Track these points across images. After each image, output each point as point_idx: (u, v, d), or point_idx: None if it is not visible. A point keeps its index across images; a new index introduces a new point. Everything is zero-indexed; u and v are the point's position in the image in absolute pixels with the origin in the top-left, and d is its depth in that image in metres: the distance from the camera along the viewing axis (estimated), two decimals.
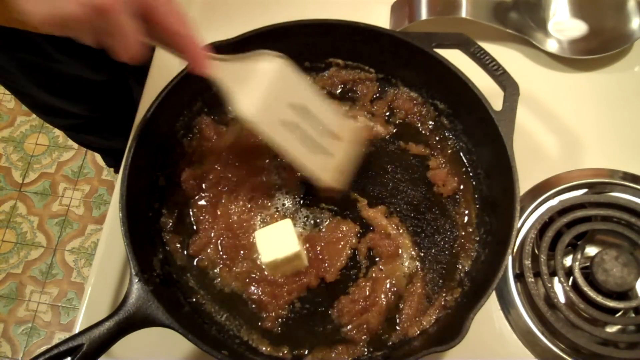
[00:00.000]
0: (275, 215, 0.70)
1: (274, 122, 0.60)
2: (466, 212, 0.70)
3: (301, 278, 0.66)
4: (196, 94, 0.73)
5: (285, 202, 0.71)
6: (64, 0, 0.44)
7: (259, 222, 0.70)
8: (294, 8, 0.79)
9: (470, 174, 0.72)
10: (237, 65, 0.59)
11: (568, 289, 0.66)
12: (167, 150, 0.73)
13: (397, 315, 0.65)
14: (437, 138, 0.75)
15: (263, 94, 0.59)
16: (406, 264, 0.68)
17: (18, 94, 1.10)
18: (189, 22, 0.53)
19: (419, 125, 0.76)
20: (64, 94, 1.10)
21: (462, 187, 0.72)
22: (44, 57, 0.94)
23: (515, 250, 0.70)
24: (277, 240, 0.63)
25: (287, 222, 0.64)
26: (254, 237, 0.67)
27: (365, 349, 0.64)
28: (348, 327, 0.65)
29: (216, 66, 0.57)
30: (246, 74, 0.59)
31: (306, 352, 0.64)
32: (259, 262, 0.67)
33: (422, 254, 0.68)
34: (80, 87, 1.09)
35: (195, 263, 0.69)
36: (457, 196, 0.71)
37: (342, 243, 0.68)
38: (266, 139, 0.60)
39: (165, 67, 0.82)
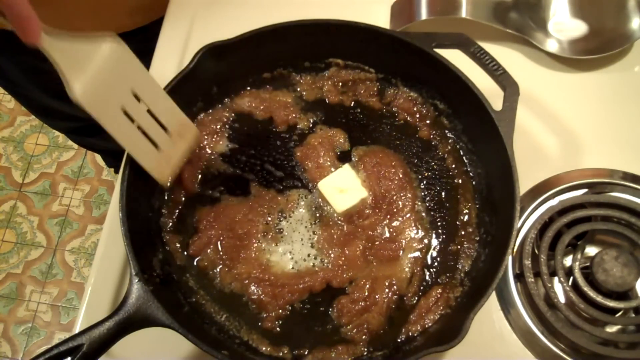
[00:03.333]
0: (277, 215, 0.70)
1: (110, 108, 0.59)
2: (466, 212, 0.70)
3: (306, 281, 0.66)
4: (196, 95, 0.73)
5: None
6: None
7: (261, 222, 0.70)
8: (294, 8, 0.79)
9: (470, 174, 0.72)
10: (72, 43, 0.55)
11: (568, 289, 0.66)
12: None
13: (397, 315, 0.65)
14: (437, 138, 0.75)
15: (100, 77, 0.56)
16: (406, 264, 0.68)
17: (18, 96, 1.10)
18: None
19: (419, 125, 0.76)
20: (65, 97, 1.10)
21: (462, 186, 0.72)
22: (44, 60, 0.94)
23: (515, 250, 0.70)
24: (343, 188, 0.66)
25: (347, 167, 0.67)
26: (316, 188, 0.70)
27: (365, 349, 0.64)
28: (348, 327, 0.65)
29: (49, 39, 0.53)
30: (82, 53, 0.56)
31: (306, 352, 0.64)
32: (331, 211, 0.69)
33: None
34: None
35: (195, 263, 0.68)
36: (458, 196, 0.71)
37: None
38: (100, 123, 0.58)
39: (165, 67, 0.82)
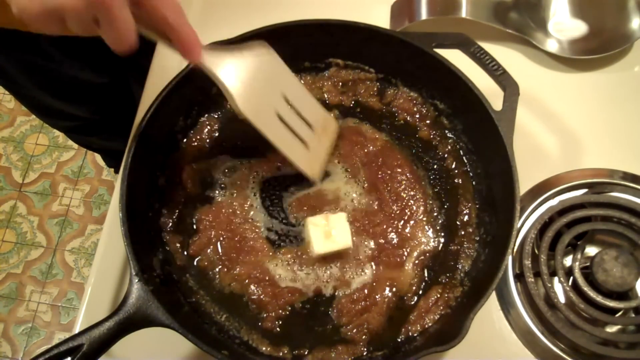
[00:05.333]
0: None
1: (268, 115, 0.60)
2: (466, 212, 0.70)
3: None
4: (196, 94, 0.73)
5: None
6: None
7: (262, 222, 0.70)
8: (294, 8, 0.79)
9: (470, 174, 0.72)
10: (228, 55, 0.58)
11: (568, 289, 0.66)
12: (167, 150, 0.73)
13: (397, 315, 0.65)
14: (437, 138, 0.75)
15: (257, 86, 0.59)
16: (409, 266, 0.68)
17: (19, 95, 1.10)
18: (181, 10, 0.51)
19: (419, 125, 0.76)
20: (65, 96, 1.10)
21: (462, 186, 0.72)
22: (45, 59, 0.94)
23: (515, 250, 0.70)
24: (331, 232, 0.64)
25: (342, 216, 0.65)
26: (302, 224, 0.68)
27: (365, 349, 0.64)
28: (348, 327, 0.65)
29: (208, 57, 0.56)
30: (238, 65, 0.58)
31: (306, 352, 0.64)
32: (308, 251, 0.67)
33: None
34: (82, 89, 1.09)
35: (195, 263, 0.68)
36: (458, 196, 0.71)
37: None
38: (260, 132, 0.60)
39: (165, 67, 0.82)
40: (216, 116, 0.76)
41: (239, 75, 0.57)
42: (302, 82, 0.77)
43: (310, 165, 0.67)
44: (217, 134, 0.75)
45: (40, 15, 0.44)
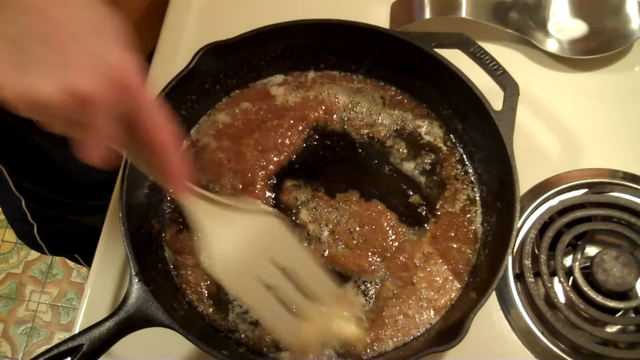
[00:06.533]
0: None
1: (247, 278, 0.52)
2: (466, 212, 0.70)
3: None
4: (196, 95, 0.73)
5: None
6: (44, 80, 0.38)
7: None
8: (294, 8, 0.79)
9: (471, 174, 0.72)
10: (219, 207, 0.51)
11: (568, 289, 0.66)
12: None
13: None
14: (437, 138, 0.75)
15: (241, 243, 0.51)
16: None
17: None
18: (174, 136, 0.45)
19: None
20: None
21: (462, 186, 0.72)
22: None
23: (515, 250, 0.70)
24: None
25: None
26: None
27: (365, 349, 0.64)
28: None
29: (195, 199, 0.49)
30: (228, 218, 0.51)
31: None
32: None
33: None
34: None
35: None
36: (458, 196, 0.71)
37: None
38: (232, 294, 0.54)
39: (165, 67, 0.82)
40: (217, 115, 0.76)
41: (223, 227, 0.50)
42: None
43: (292, 336, 0.55)
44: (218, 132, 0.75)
45: (18, 99, 0.38)
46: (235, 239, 0.51)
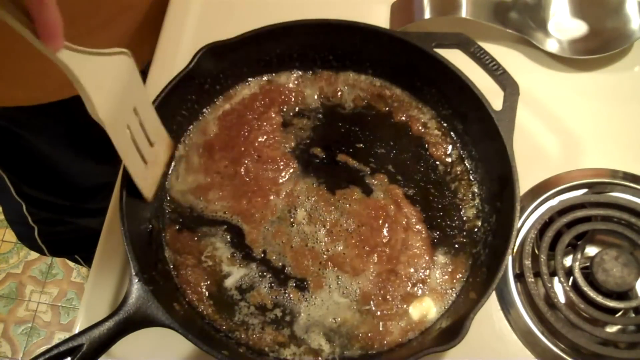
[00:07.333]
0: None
1: (121, 125, 0.58)
2: (466, 212, 0.70)
3: None
4: (196, 95, 0.73)
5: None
6: None
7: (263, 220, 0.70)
8: (294, 8, 0.79)
9: (471, 174, 0.72)
10: (89, 57, 0.53)
11: (568, 289, 0.66)
12: None
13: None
14: (437, 138, 0.75)
15: (115, 93, 0.56)
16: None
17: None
18: None
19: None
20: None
21: (462, 187, 0.72)
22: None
23: (515, 250, 0.70)
24: None
25: None
26: None
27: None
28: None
29: (67, 52, 0.50)
30: (100, 69, 0.54)
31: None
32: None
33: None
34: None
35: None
36: (458, 196, 0.71)
37: None
38: (111, 138, 0.56)
39: (165, 68, 0.82)
40: (217, 114, 0.76)
41: (99, 79, 0.54)
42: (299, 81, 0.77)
43: (146, 183, 0.64)
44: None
45: None
46: (112, 88, 0.55)
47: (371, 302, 0.65)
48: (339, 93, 0.77)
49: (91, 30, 0.76)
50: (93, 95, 0.52)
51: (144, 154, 0.63)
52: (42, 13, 0.44)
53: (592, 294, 0.65)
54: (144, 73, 0.82)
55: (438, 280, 0.67)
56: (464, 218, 0.70)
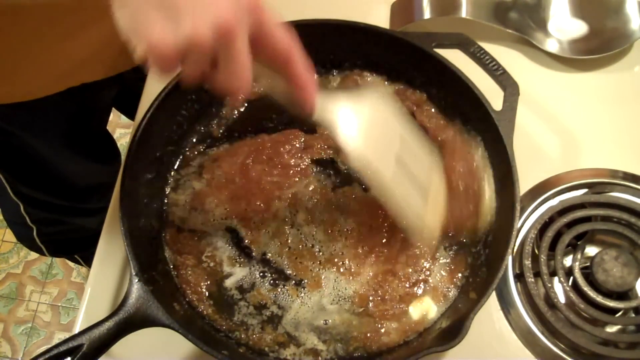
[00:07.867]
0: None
1: (386, 159, 0.54)
2: None
3: None
4: (195, 96, 0.73)
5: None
6: (197, 23, 0.40)
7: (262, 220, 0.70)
8: (294, 8, 0.79)
9: None
10: (340, 98, 0.52)
11: (568, 289, 0.66)
12: (165, 152, 0.73)
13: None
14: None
15: (370, 125, 0.53)
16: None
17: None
18: (298, 45, 0.47)
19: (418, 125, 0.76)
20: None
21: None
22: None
23: (515, 250, 0.70)
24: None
25: None
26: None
27: None
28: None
29: (324, 102, 0.50)
30: (350, 108, 0.53)
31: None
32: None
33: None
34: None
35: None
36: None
37: None
38: (375, 182, 0.53)
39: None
40: (218, 114, 0.76)
41: (355, 122, 0.52)
42: None
43: (424, 224, 0.57)
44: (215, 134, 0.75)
45: (170, 52, 0.40)
46: (363, 123, 0.53)
47: (370, 303, 0.65)
48: None
49: (83, 24, 0.76)
50: (349, 144, 0.51)
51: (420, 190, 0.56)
52: (298, 82, 0.49)
53: (592, 294, 0.65)
54: (144, 73, 0.82)
55: (438, 280, 0.67)
56: None
